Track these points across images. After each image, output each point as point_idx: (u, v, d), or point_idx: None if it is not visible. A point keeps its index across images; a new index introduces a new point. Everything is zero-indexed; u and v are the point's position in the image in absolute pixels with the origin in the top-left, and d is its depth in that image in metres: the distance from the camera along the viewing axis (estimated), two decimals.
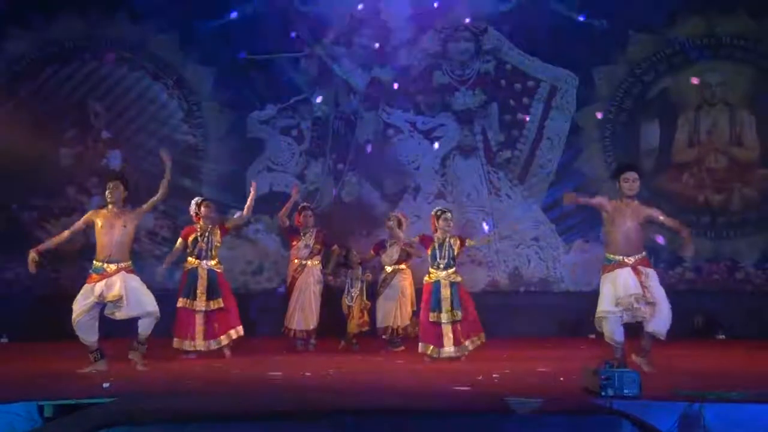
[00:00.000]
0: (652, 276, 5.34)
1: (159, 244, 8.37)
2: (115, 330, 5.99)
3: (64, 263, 8.11)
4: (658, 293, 5.31)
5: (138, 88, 8.50)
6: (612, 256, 5.39)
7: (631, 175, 5.37)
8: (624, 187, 5.37)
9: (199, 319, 6.53)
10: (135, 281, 5.71)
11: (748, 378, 5.00)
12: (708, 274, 8.32)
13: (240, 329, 6.65)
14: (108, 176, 6.00)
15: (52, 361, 6.08)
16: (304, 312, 7.13)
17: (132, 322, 5.78)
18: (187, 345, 6.50)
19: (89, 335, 5.61)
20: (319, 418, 3.96)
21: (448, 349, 6.22)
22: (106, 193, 5.76)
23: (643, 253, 5.40)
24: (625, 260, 5.32)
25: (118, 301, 5.60)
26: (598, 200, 5.53)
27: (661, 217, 5.42)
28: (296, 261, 7.27)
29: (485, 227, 6.88)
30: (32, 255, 5.62)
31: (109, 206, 5.75)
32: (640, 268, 5.32)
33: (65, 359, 5.93)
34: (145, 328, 5.70)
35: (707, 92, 8.42)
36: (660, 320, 5.26)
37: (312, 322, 7.15)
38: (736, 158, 8.36)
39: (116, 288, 5.60)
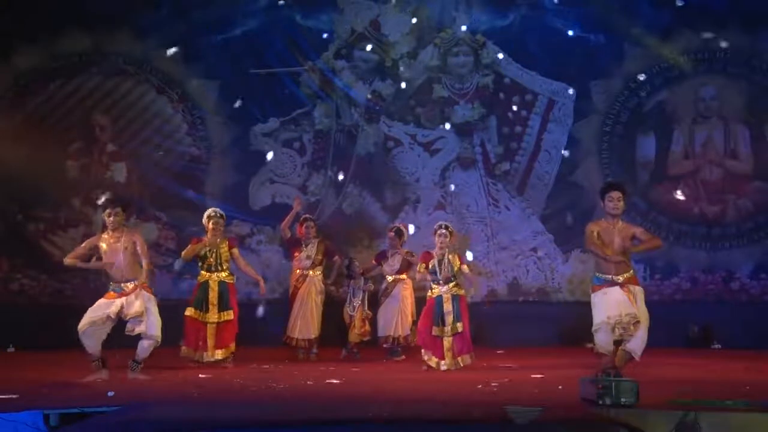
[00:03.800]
0: (639, 295, 5.38)
1: (163, 255, 8.47)
2: (120, 340, 6.04)
3: (69, 274, 8.20)
4: (643, 314, 5.34)
5: (143, 102, 8.62)
6: (602, 275, 5.42)
7: (615, 194, 5.35)
8: (608, 206, 5.36)
9: (210, 331, 6.61)
10: (151, 303, 5.79)
11: (744, 387, 5.07)
12: (704, 284, 8.39)
13: (233, 345, 6.70)
14: (109, 201, 5.99)
15: (57, 370, 6.11)
16: (305, 321, 7.20)
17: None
18: (198, 356, 6.58)
19: (92, 344, 5.68)
20: (320, 427, 4.03)
21: (447, 361, 6.30)
22: (108, 218, 5.79)
23: (631, 271, 5.44)
24: (615, 279, 5.36)
25: (139, 317, 5.70)
26: (593, 241, 5.40)
27: (643, 236, 5.43)
28: (298, 271, 7.35)
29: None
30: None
31: (109, 231, 5.83)
32: (629, 286, 5.36)
33: (71, 368, 5.97)
34: (145, 349, 5.77)
35: (702, 105, 8.55)
36: (638, 340, 5.29)
37: (313, 332, 7.22)
38: (731, 170, 8.46)
39: (137, 305, 5.69)
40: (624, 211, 5.48)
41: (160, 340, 5.79)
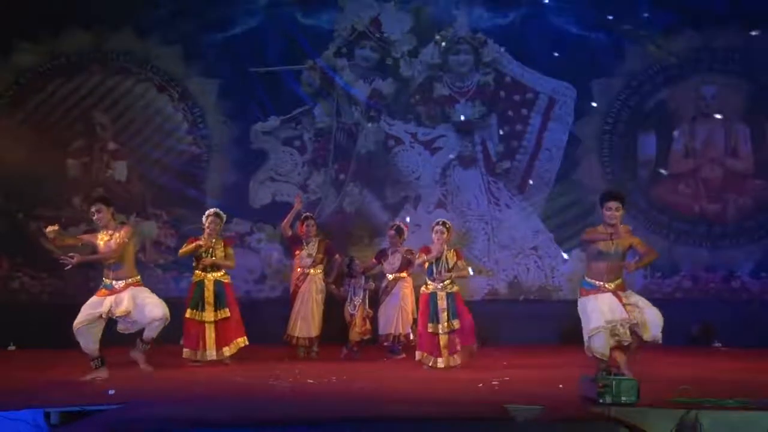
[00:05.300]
0: (630, 294, 5.43)
1: (164, 253, 8.48)
2: (120, 338, 6.06)
3: (69, 272, 8.18)
4: (643, 303, 5.39)
5: (144, 100, 8.59)
6: (592, 281, 5.43)
7: (613, 204, 5.34)
8: (606, 215, 5.38)
9: (209, 330, 6.63)
10: (142, 292, 5.83)
11: (745, 386, 5.07)
12: (704, 282, 8.39)
13: (245, 339, 6.74)
14: (90, 200, 6.14)
15: (58, 368, 6.15)
16: (306, 320, 7.22)
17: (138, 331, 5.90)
18: (199, 355, 6.61)
19: (88, 343, 5.71)
20: (320, 426, 4.03)
21: (444, 359, 6.31)
22: (93, 217, 5.89)
23: (622, 278, 5.46)
24: (606, 286, 5.38)
25: (126, 317, 5.73)
26: (598, 240, 5.42)
27: (640, 248, 5.48)
28: (299, 270, 7.36)
29: None
30: (52, 228, 5.67)
31: (101, 229, 5.87)
32: (619, 293, 5.39)
33: (71, 367, 6.00)
34: (151, 330, 5.82)
35: (702, 104, 8.53)
36: (653, 327, 5.32)
37: (314, 330, 7.24)
38: (731, 169, 8.46)
39: (124, 304, 5.73)
40: (624, 214, 5.48)
41: (167, 317, 5.80)
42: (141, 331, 5.88)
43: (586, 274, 5.52)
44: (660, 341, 5.36)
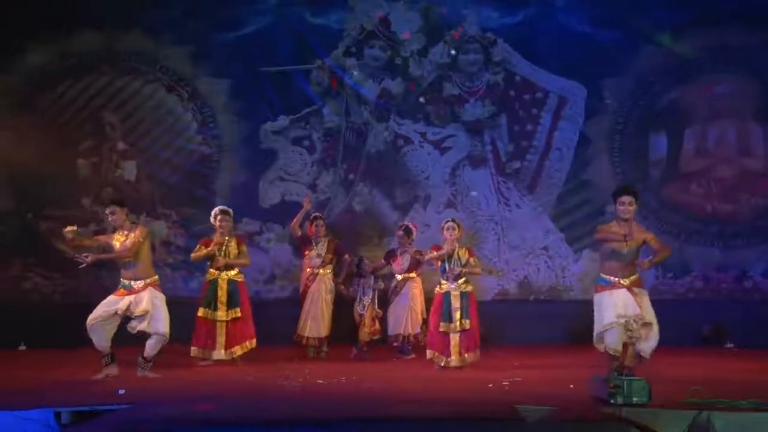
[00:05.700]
0: (645, 298, 5.43)
1: (173, 252, 8.50)
2: (131, 338, 6.08)
3: (81, 271, 8.22)
4: (651, 314, 5.39)
5: (153, 100, 8.61)
6: (608, 277, 5.44)
7: (627, 198, 5.37)
8: (620, 210, 5.40)
9: (220, 329, 6.64)
10: (159, 300, 5.86)
11: (757, 387, 5.02)
12: (716, 283, 8.35)
13: (253, 341, 6.74)
14: (104, 202, 6.21)
15: (69, 368, 6.16)
16: (316, 320, 7.22)
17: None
18: (207, 354, 6.61)
19: (101, 340, 5.73)
20: (330, 426, 4.03)
21: (455, 358, 6.29)
22: (108, 219, 5.95)
23: (637, 274, 5.46)
24: (621, 281, 5.39)
25: (144, 315, 5.75)
26: (612, 241, 5.43)
27: (654, 244, 5.47)
28: (308, 270, 7.37)
29: None
30: (70, 229, 5.66)
31: (117, 230, 5.92)
32: (634, 289, 5.40)
33: (82, 367, 6.02)
34: (152, 347, 5.83)
35: (714, 103, 8.47)
36: (650, 341, 5.34)
37: (324, 330, 7.24)
38: (744, 168, 8.41)
39: (144, 303, 5.76)
40: (636, 212, 5.49)
41: (168, 336, 5.82)
42: (141, 350, 5.88)
43: (601, 271, 5.54)
44: (648, 357, 5.37)
